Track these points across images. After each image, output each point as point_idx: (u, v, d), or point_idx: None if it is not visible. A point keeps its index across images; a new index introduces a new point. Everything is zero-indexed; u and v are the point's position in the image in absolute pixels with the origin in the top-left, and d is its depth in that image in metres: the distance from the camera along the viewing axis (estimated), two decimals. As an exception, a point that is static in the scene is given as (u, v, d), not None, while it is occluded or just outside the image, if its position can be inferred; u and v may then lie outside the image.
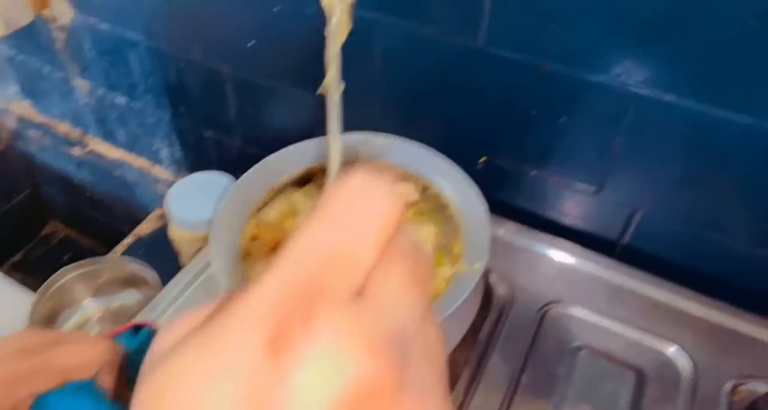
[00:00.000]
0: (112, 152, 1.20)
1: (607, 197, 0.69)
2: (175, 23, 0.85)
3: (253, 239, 0.54)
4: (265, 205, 0.57)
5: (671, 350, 0.61)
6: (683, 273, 0.67)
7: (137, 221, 1.10)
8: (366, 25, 0.67)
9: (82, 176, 1.33)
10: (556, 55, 0.59)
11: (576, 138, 0.65)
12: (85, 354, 0.40)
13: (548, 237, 0.69)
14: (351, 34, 0.33)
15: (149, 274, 0.89)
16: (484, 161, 0.73)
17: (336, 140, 0.27)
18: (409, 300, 0.18)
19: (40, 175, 1.43)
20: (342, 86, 0.27)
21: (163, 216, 1.07)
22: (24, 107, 1.25)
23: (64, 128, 1.23)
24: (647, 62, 0.56)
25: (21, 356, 0.38)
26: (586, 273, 0.67)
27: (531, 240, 0.69)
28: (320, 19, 0.34)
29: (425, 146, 0.61)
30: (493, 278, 0.66)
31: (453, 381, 0.59)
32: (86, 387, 0.41)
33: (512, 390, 0.58)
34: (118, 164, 1.22)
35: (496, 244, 0.53)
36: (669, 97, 0.57)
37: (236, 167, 0.74)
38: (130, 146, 1.16)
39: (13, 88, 1.22)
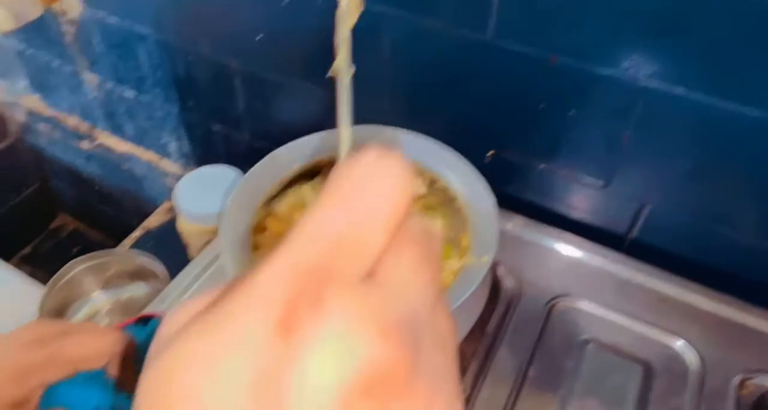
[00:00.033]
0: (120, 145, 1.21)
1: (615, 191, 0.68)
2: (184, 17, 0.85)
3: (262, 231, 0.54)
4: (273, 197, 0.57)
5: (679, 344, 0.61)
6: (691, 267, 0.67)
7: (145, 215, 1.11)
8: (374, 19, 0.67)
9: (90, 169, 1.34)
10: (565, 48, 0.59)
11: (584, 132, 0.65)
12: (95, 344, 0.40)
13: (556, 231, 0.69)
14: (358, 27, 0.33)
15: (158, 267, 0.89)
16: (492, 154, 0.72)
17: (345, 125, 0.27)
18: (420, 284, 0.18)
19: (49, 168, 1.43)
20: (352, 70, 0.27)
21: (171, 209, 1.08)
22: (33, 101, 1.26)
23: (73, 121, 1.24)
24: (656, 55, 0.56)
25: (32, 346, 0.38)
26: (593, 267, 0.67)
27: (539, 234, 0.69)
28: (330, 12, 0.34)
29: (433, 139, 0.61)
30: (501, 272, 0.66)
31: (460, 374, 0.59)
32: (96, 378, 0.41)
33: (519, 383, 0.58)
34: (127, 158, 1.22)
35: (503, 238, 0.53)
36: (678, 90, 0.56)
37: (244, 161, 0.75)
38: (139, 139, 1.17)
39: (23, 82, 1.23)
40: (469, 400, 0.57)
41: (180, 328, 0.16)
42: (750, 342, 0.61)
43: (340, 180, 0.18)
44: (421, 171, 0.60)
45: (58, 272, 0.88)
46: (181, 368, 0.15)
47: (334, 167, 0.18)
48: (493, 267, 0.65)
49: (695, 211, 0.66)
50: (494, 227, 0.53)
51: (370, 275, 0.17)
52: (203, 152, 1.08)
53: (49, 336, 0.39)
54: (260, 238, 0.54)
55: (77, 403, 0.40)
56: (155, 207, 1.14)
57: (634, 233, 0.71)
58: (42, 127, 1.31)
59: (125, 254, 0.93)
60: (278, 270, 0.16)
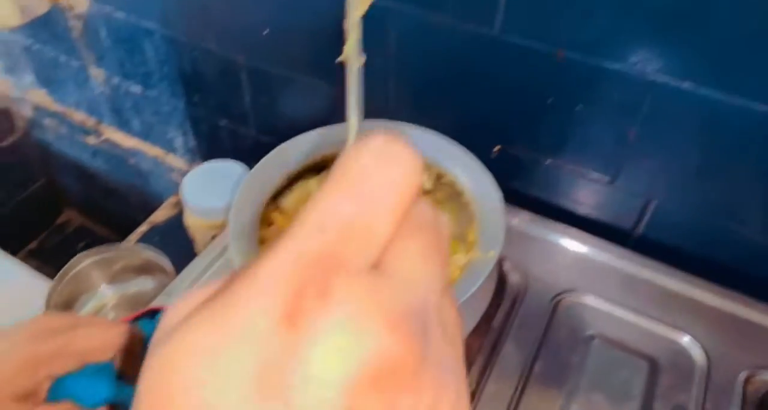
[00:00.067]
0: (126, 140, 1.21)
1: (621, 187, 0.68)
2: (191, 12, 0.85)
3: (269, 225, 0.54)
4: (280, 192, 0.57)
5: (685, 339, 0.61)
6: (698, 263, 0.67)
7: (151, 210, 1.11)
8: (380, 13, 0.66)
9: (97, 164, 1.34)
10: (572, 42, 0.59)
11: (591, 127, 0.65)
12: (103, 337, 0.41)
13: (562, 227, 0.69)
14: (365, 21, 0.33)
15: (164, 261, 0.89)
16: (499, 149, 0.72)
17: (354, 114, 0.26)
18: (427, 274, 0.17)
19: (56, 164, 1.44)
20: (363, 58, 0.26)
21: (177, 204, 1.08)
22: (40, 96, 1.26)
23: (79, 116, 1.24)
24: (663, 50, 0.55)
25: (40, 339, 0.39)
26: (599, 262, 0.67)
27: (545, 229, 0.69)
28: (337, 6, 0.33)
29: (439, 134, 0.61)
30: (507, 267, 0.66)
31: (466, 368, 0.59)
32: (104, 370, 0.42)
33: (525, 379, 0.58)
34: (133, 153, 1.23)
35: (510, 233, 0.53)
36: (685, 85, 0.56)
37: (250, 156, 0.75)
38: (145, 134, 1.17)
39: (29, 77, 1.23)
40: (474, 395, 0.57)
41: (183, 318, 0.16)
42: (756, 338, 0.61)
43: (346, 166, 0.17)
44: (427, 166, 0.60)
45: (65, 267, 0.88)
46: (184, 359, 0.15)
47: (341, 152, 0.18)
48: (499, 262, 0.65)
49: (702, 207, 0.65)
50: (501, 222, 0.53)
51: (377, 264, 0.17)
52: (209, 147, 1.08)
53: (57, 328, 0.39)
54: (267, 232, 0.54)
55: (85, 395, 0.41)
56: (161, 202, 1.14)
57: (641, 228, 0.71)
58: (48, 122, 1.32)
59: (132, 248, 0.93)
60: (283, 260, 0.15)
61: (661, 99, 0.58)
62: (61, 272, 0.88)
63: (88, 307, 0.92)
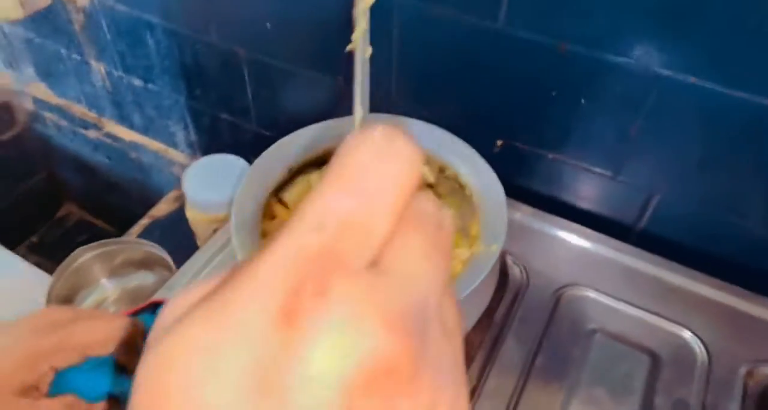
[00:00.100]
0: (127, 134, 1.21)
1: (624, 182, 0.68)
2: (192, 5, 0.85)
3: (271, 218, 0.54)
4: (283, 185, 0.57)
5: (686, 333, 0.61)
6: (700, 258, 0.66)
7: (152, 204, 1.11)
8: (383, 5, 0.66)
9: (97, 158, 1.34)
10: (576, 36, 0.59)
11: (594, 121, 0.65)
12: (104, 330, 0.41)
13: (564, 221, 0.69)
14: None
15: (165, 255, 0.89)
16: (501, 144, 0.72)
17: (360, 104, 0.26)
18: (429, 271, 0.17)
19: (56, 157, 1.44)
20: (370, 50, 0.26)
21: (178, 198, 1.08)
22: (41, 90, 1.26)
23: (80, 110, 1.24)
24: (667, 43, 0.55)
25: (42, 332, 0.38)
26: (601, 257, 0.67)
27: (547, 224, 0.69)
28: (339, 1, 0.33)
29: (441, 128, 0.61)
30: (509, 261, 0.66)
31: (467, 363, 0.59)
32: (106, 364, 0.42)
33: (526, 373, 0.58)
34: (134, 147, 1.22)
35: (512, 227, 0.53)
36: (689, 79, 0.56)
37: (251, 150, 0.74)
38: (146, 128, 1.17)
39: (30, 71, 1.23)
40: (476, 390, 0.57)
41: (181, 314, 0.16)
42: (757, 332, 0.61)
43: (345, 161, 0.17)
44: (430, 159, 0.60)
45: (66, 261, 0.88)
46: (181, 356, 0.15)
47: (341, 144, 0.17)
48: (502, 257, 0.65)
49: (704, 201, 0.65)
50: (503, 216, 0.53)
51: (377, 261, 0.16)
52: (210, 141, 1.08)
53: (58, 321, 0.39)
54: (269, 225, 0.54)
55: (87, 389, 0.41)
56: (162, 197, 1.14)
57: (643, 223, 0.71)
58: (49, 116, 1.32)
59: (132, 242, 0.93)
60: (281, 257, 0.15)
61: (665, 93, 0.58)
62: (61, 266, 0.88)
63: (88, 301, 0.92)
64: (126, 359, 0.43)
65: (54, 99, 1.26)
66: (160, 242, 0.91)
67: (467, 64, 0.68)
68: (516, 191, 0.65)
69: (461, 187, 0.58)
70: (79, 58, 1.09)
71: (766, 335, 0.61)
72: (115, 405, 0.42)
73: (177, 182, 1.14)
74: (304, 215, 0.16)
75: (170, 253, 0.90)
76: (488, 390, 0.57)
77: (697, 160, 0.62)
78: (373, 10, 0.33)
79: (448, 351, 0.17)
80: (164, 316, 0.17)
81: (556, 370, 0.59)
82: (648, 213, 0.69)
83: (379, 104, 0.60)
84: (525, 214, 0.70)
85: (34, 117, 1.36)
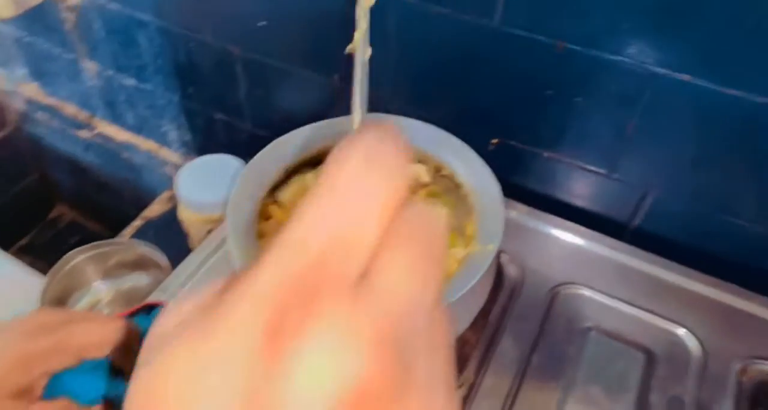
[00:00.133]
0: (119, 134, 1.20)
1: (619, 180, 0.68)
2: (186, 3, 0.85)
3: (267, 218, 0.54)
4: (278, 185, 0.57)
5: (681, 330, 0.61)
6: (694, 255, 0.67)
7: (145, 205, 1.11)
8: (379, 4, 0.66)
9: (89, 158, 1.33)
10: (572, 34, 0.59)
11: (590, 119, 0.65)
12: (99, 332, 0.40)
13: (559, 219, 0.69)
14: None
15: (159, 257, 0.89)
16: (497, 142, 0.72)
17: (359, 106, 0.26)
18: (415, 288, 0.17)
19: (48, 158, 1.43)
20: (370, 51, 0.26)
21: (171, 198, 1.08)
22: (32, 89, 1.25)
23: (71, 110, 1.23)
24: (662, 42, 0.55)
25: (36, 334, 0.38)
26: (596, 255, 0.67)
27: (542, 222, 0.69)
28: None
29: (437, 127, 0.61)
30: (504, 260, 0.66)
31: (463, 362, 0.59)
32: (101, 366, 0.41)
33: (522, 371, 0.58)
34: (126, 147, 1.22)
35: (507, 226, 0.53)
36: (683, 77, 0.56)
37: (245, 150, 0.74)
38: (138, 128, 1.16)
39: (21, 70, 1.22)
40: (472, 388, 0.57)
41: (171, 332, 0.16)
42: (751, 329, 0.62)
43: (331, 174, 0.17)
44: (426, 159, 0.60)
45: (59, 262, 0.88)
46: (168, 381, 0.15)
47: (331, 153, 0.17)
48: (497, 255, 0.65)
49: (698, 199, 0.66)
50: (500, 215, 0.53)
51: (366, 274, 0.16)
52: (204, 141, 1.07)
53: (53, 324, 0.39)
54: (265, 225, 0.53)
55: (81, 392, 0.40)
56: (154, 197, 1.14)
57: (637, 221, 0.71)
58: (40, 115, 1.31)
59: (126, 243, 0.93)
60: (266, 281, 0.15)
61: (660, 91, 0.58)
62: (54, 267, 0.87)
63: (82, 303, 0.92)
64: (121, 361, 0.43)
65: (45, 99, 1.25)
66: (154, 242, 0.91)
67: (463, 63, 0.68)
68: (511, 190, 0.65)
69: (457, 186, 0.58)
70: (70, 57, 1.09)
71: (759, 331, 0.61)
72: (110, 408, 0.41)
73: (170, 182, 1.14)
74: (289, 235, 0.16)
75: (164, 254, 0.89)
76: (485, 388, 0.57)
77: (692, 158, 0.62)
78: (370, 9, 0.33)
79: (436, 368, 0.17)
80: (157, 329, 0.17)
81: (552, 368, 0.59)
82: (642, 211, 0.70)
83: (375, 103, 0.59)
84: (520, 212, 0.70)
85: (25, 117, 1.35)
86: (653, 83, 0.58)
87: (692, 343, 0.61)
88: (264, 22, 0.78)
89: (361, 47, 0.26)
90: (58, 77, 1.17)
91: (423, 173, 0.58)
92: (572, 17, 0.58)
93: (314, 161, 0.60)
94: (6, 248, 1.11)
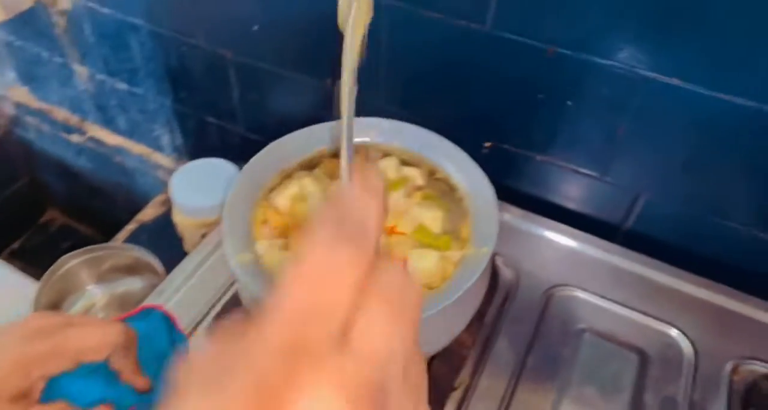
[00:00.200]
0: (111, 138, 1.20)
1: (611, 182, 0.69)
2: (178, 7, 0.84)
3: (263, 223, 0.54)
4: (274, 189, 0.57)
5: (673, 331, 0.62)
6: (685, 257, 0.67)
7: (137, 209, 1.10)
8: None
9: (81, 163, 1.33)
10: (563, 39, 0.59)
11: (582, 123, 0.65)
12: (97, 336, 0.40)
13: (552, 222, 0.70)
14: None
15: (153, 260, 0.89)
16: (490, 146, 0.73)
17: (347, 124, 0.27)
18: (391, 342, 0.19)
19: (39, 162, 1.42)
20: (357, 87, 0.27)
21: (165, 202, 1.07)
22: (22, 94, 1.24)
23: (62, 114, 1.23)
24: (653, 47, 0.56)
25: (34, 338, 0.38)
26: (589, 257, 0.68)
27: (535, 225, 0.70)
28: (327, 1, 0.33)
29: (431, 131, 0.61)
30: (499, 263, 0.67)
31: (459, 364, 0.60)
32: (99, 370, 0.41)
33: (518, 372, 0.59)
34: (118, 151, 1.21)
35: (501, 229, 0.53)
36: (674, 82, 0.57)
37: (238, 154, 0.74)
38: (130, 132, 1.16)
39: (11, 74, 1.21)
40: (468, 390, 0.58)
41: (183, 390, 0.18)
42: (742, 329, 0.62)
43: (305, 249, 0.20)
44: (420, 162, 0.60)
45: (53, 267, 0.87)
46: None
47: (311, 219, 0.20)
48: (492, 258, 0.65)
49: (689, 201, 0.66)
50: (494, 217, 0.53)
51: (346, 334, 0.19)
52: (196, 145, 1.07)
53: (51, 328, 0.39)
54: (261, 230, 0.54)
55: (79, 395, 0.40)
56: (147, 201, 1.13)
57: (629, 223, 0.72)
58: (31, 120, 1.30)
59: (120, 247, 0.92)
60: (256, 355, 0.18)
61: (650, 95, 0.59)
62: (48, 272, 0.87)
63: (76, 307, 0.91)
64: (119, 365, 0.43)
65: (36, 103, 1.24)
66: (148, 247, 0.91)
67: (456, 67, 0.68)
68: (504, 193, 0.65)
69: (452, 189, 0.58)
70: (61, 61, 1.08)
71: (751, 332, 0.62)
72: (107, 412, 0.41)
73: (162, 186, 1.13)
74: (272, 313, 0.19)
75: (158, 258, 0.89)
76: (480, 390, 0.57)
77: (682, 161, 0.63)
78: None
79: (412, 404, 0.20)
80: (177, 379, 0.19)
81: (547, 370, 0.59)
82: (635, 213, 0.70)
83: (368, 108, 0.60)
84: (514, 215, 0.70)
85: (15, 121, 1.34)
86: (643, 87, 0.59)
87: (685, 344, 0.61)
88: (256, 26, 0.78)
89: (348, 86, 0.27)
90: (48, 82, 1.16)
91: (417, 177, 0.59)
92: (563, 22, 0.58)
93: (310, 165, 0.60)
94: (-3, 253, 1.10)
